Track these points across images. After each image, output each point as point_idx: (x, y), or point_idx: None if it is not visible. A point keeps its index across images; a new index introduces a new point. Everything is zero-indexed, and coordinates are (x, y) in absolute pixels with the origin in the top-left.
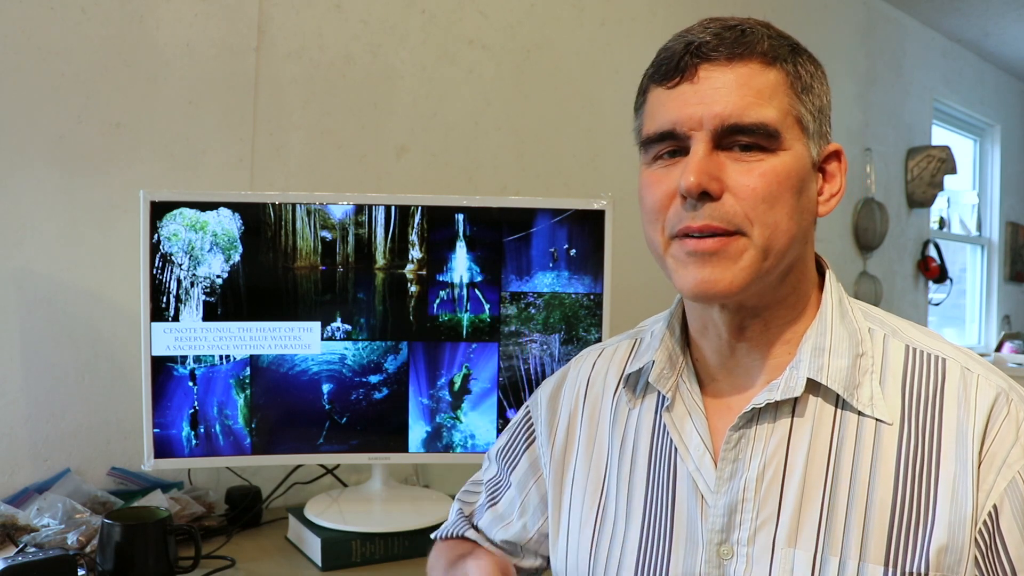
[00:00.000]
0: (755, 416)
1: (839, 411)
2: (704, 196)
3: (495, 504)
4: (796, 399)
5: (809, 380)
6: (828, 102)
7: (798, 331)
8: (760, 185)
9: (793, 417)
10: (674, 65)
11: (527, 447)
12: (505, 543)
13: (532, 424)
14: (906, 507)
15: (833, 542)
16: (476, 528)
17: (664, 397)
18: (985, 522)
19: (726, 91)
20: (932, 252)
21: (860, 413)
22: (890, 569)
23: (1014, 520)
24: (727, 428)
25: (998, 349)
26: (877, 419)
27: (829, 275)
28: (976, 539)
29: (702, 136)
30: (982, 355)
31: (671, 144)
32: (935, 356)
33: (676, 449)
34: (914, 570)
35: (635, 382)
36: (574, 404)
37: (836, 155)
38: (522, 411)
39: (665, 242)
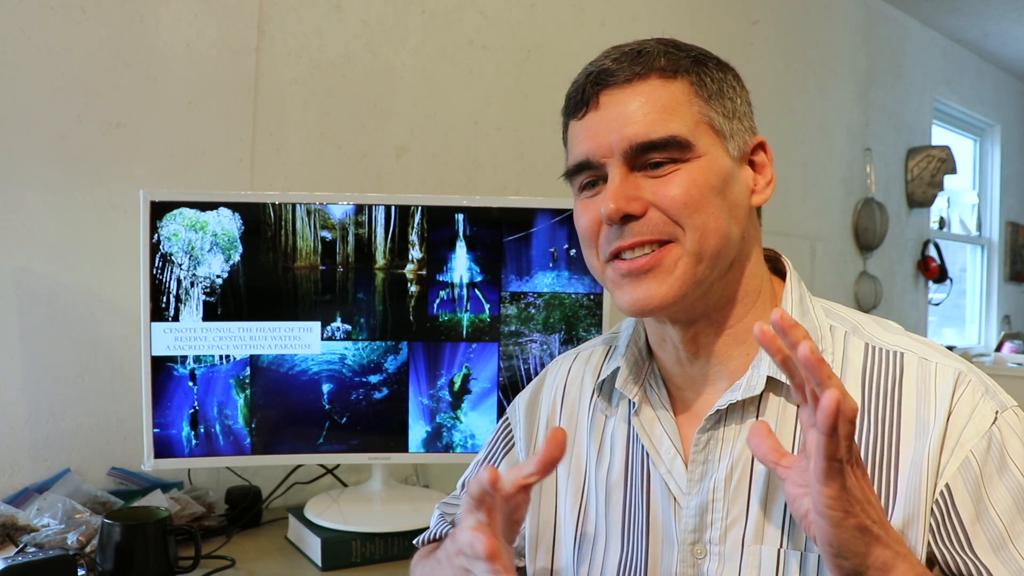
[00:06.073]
0: (722, 417)
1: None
2: (627, 218)
3: None
4: (760, 398)
5: (771, 379)
6: (745, 101)
7: (753, 328)
8: (679, 193)
9: (758, 416)
10: (580, 97)
11: (506, 454)
12: None
13: (511, 431)
14: None
15: (797, 537)
16: None
17: (632, 402)
18: (937, 500)
19: (630, 112)
20: (932, 252)
21: None
22: None
23: (968, 495)
24: (695, 431)
25: (998, 349)
26: None
27: (791, 273)
28: (929, 514)
29: (615, 161)
30: (982, 355)
31: (590, 174)
32: (893, 351)
33: (648, 453)
34: None
35: (608, 390)
36: (551, 410)
37: (761, 147)
38: (501, 421)
39: (602, 266)
